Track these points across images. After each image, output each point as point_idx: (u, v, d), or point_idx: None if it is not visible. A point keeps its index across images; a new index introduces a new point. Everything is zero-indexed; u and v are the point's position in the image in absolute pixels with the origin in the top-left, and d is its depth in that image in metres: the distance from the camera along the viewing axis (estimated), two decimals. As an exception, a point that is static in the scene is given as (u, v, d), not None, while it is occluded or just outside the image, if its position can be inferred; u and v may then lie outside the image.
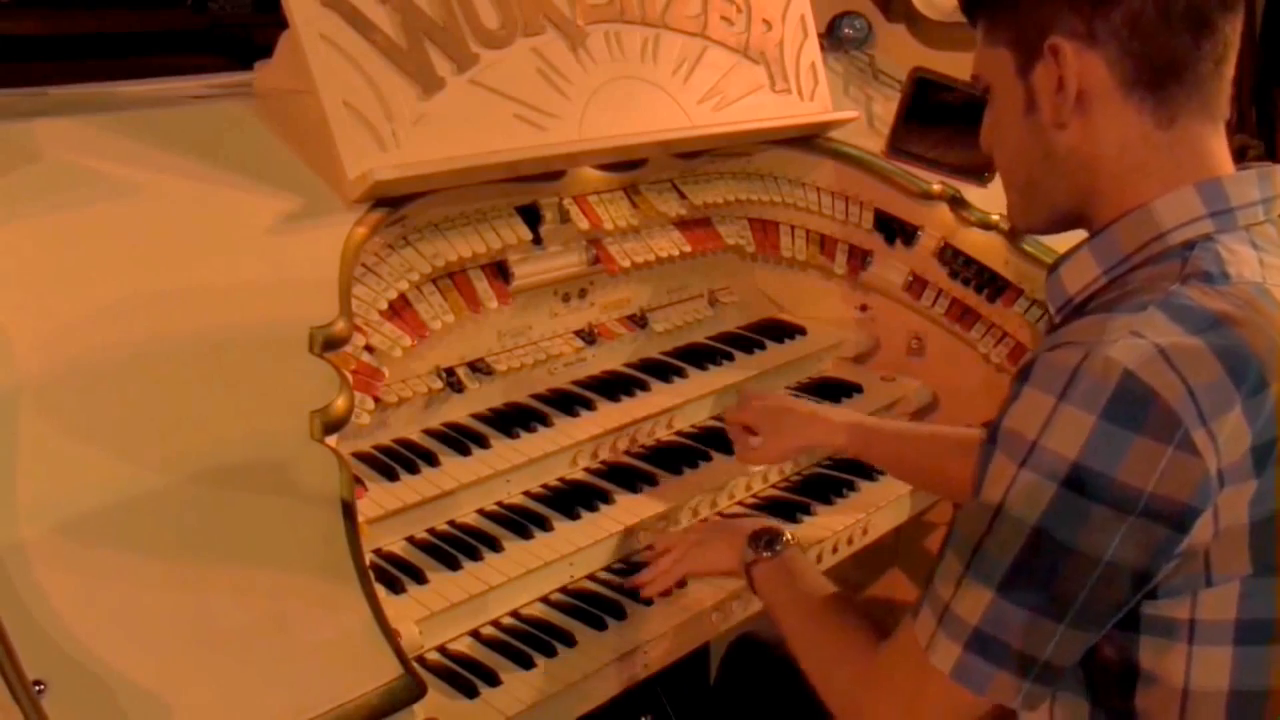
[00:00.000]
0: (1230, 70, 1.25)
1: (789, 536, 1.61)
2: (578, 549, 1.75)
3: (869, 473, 2.14)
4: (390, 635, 1.29)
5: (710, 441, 2.05)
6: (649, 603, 1.73)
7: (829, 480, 2.12)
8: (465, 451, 1.79)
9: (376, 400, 1.67)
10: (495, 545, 1.70)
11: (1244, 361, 1.11)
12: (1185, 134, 1.24)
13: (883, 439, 1.89)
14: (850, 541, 2.01)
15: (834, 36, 2.55)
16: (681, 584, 1.76)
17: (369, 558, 1.46)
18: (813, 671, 1.41)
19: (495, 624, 1.67)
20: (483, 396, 1.92)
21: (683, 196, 2.16)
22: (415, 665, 1.30)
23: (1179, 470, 1.09)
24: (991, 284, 2.27)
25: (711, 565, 1.71)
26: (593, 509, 1.82)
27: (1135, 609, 1.17)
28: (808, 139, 2.30)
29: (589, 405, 1.98)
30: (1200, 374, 1.09)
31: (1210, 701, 1.18)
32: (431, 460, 1.75)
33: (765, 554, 1.59)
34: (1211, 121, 1.25)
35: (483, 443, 1.82)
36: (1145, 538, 1.11)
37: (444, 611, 1.59)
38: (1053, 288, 1.33)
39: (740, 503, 2.04)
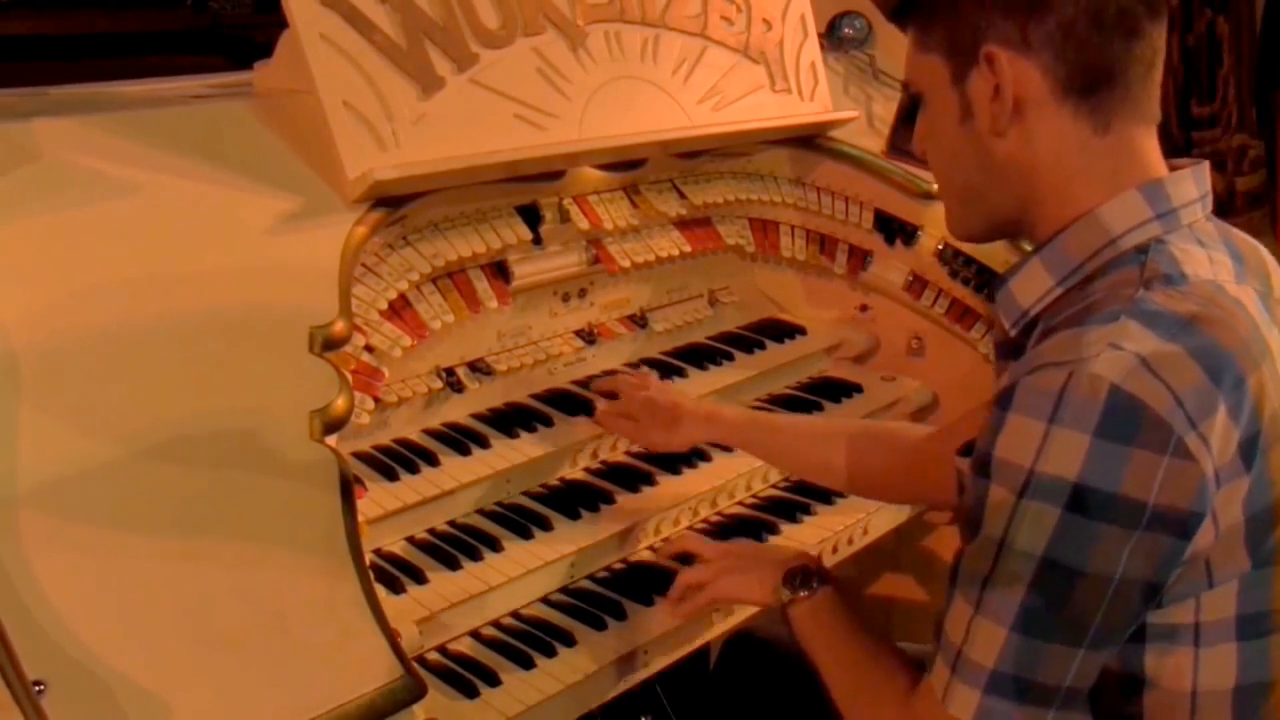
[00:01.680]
0: (1159, 74, 1.26)
1: (824, 569, 1.54)
2: (578, 549, 1.75)
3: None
4: (390, 635, 1.29)
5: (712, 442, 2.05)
6: (649, 603, 1.72)
7: (829, 480, 2.11)
8: (465, 451, 1.79)
9: (376, 400, 1.67)
10: (495, 545, 1.70)
11: (1220, 360, 1.11)
12: (1121, 138, 1.24)
13: (762, 431, 1.84)
14: (850, 541, 2.01)
15: (834, 36, 2.55)
16: (666, 592, 1.74)
17: (369, 558, 1.46)
18: (847, 709, 1.39)
19: (495, 624, 1.67)
20: (483, 396, 1.92)
21: (683, 196, 2.16)
22: (415, 665, 1.30)
23: (1177, 478, 1.09)
24: (992, 284, 2.26)
25: (743, 596, 1.64)
26: (593, 509, 1.82)
27: (1141, 620, 1.17)
28: (808, 139, 2.30)
29: (589, 405, 1.98)
30: (1183, 379, 1.09)
31: (1217, 700, 1.18)
32: (431, 460, 1.75)
33: (803, 593, 1.50)
34: (1144, 124, 1.26)
35: (483, 443, 1.82)
36: (1152, 549, 1.10)
37: (444, 611, 1.58)
38: (1004, 301, 1.32)
39: (740, 502, 2.04)
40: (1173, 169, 1.27)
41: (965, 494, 1.22)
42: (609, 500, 1.85)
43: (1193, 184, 1.25)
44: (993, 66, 1.23)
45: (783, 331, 2.37)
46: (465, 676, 1.54)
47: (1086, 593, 1.11)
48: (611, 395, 1.92)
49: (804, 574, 1.52)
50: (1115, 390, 1.08)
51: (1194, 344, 1.11)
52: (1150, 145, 1.26)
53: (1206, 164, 1.29)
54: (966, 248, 2.27)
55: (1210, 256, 1.22)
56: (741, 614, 1.82)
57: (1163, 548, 1.11)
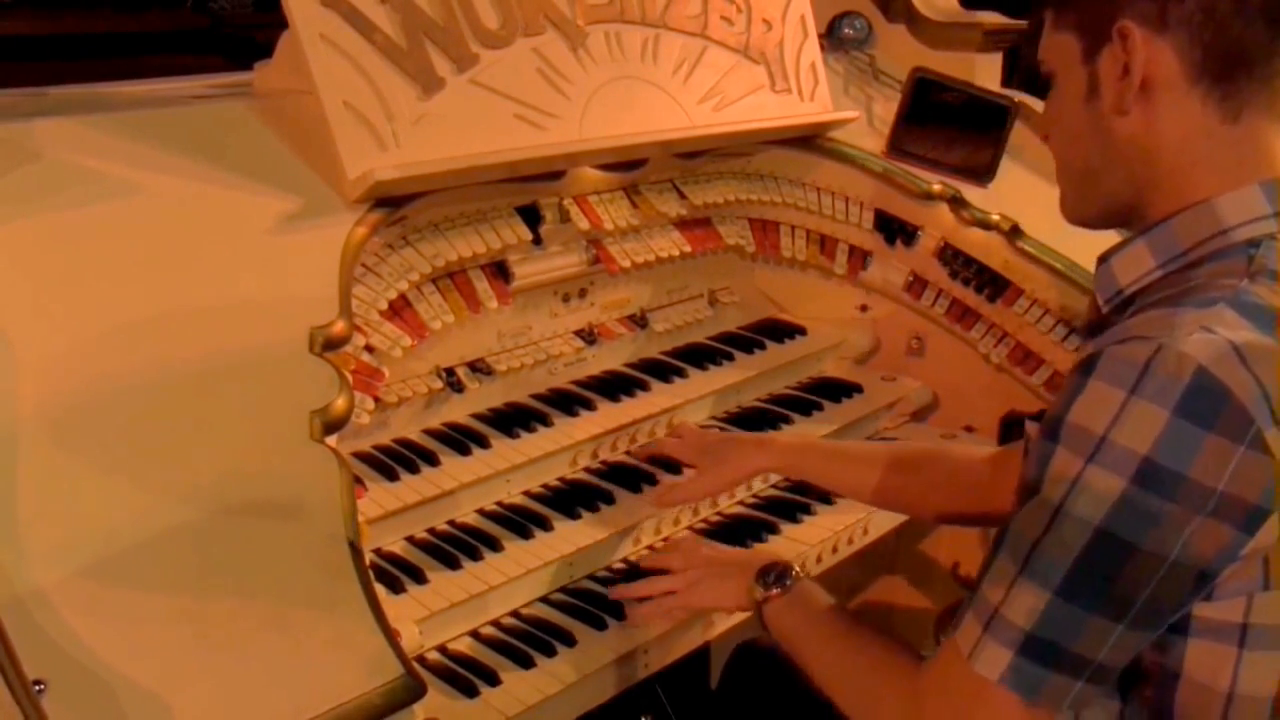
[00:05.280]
0: None
1: (797, 569, 1.53)
2: (578, 549, 1.75)
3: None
4: (390, 635, 1.29)
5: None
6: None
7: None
8: (465, 451, 1.79)
9: (376, 400, 1.67)
10: (495, 545, 1.70)
11: None
12: (1250, 130, 1.22)
13: (815, 457, 1.83)
14: (850, 541, 2.01)
15: (834, 36, 2.56)
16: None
17: (369, 558, 1.46)
18: (853, 706, 1.36)
19: (495, 624, 1.67)
20: (483, 396, 1.92)
21: (683, 196, 2.16)
22: (415, 665, 1.30)
23: (1249, 470, 1.07)
24: (991, 284, 2.27)
25: (717, 602, 1.63)
26: (593, 509, 1.82)
27: (1187, 612, 1.15)
28: (808, 139, 2.30)
29: (589, 405, 1.98)
30: (1272, 374, 1.08)
31: (1254, 706, 1.16)
32: (431, 460, 1.75)
33: (775, 590, 1.50)
34: (1276, 120, 1.23)
35: (483, 443, 1.82)
36: (1211, 537, 1.09)
37: (444, 611, 1.58)
38: (1102, 277, 1.30)
39: (741, 502, 2.04)
40: None
41: (1028, 457, 1.20)
42: (609, 500, 1.85)
43: None
44: (1125, 43, 1.21)
45: (783, 331, 2.37)
46: (465, 676, 1.54)
47: (1137, 569, 1.09)
48: (661, 457, 1.90)
49: (776, 572, 1.51)
50: (1202, 372, 1.07)
51: None
52: (1276, 139, 1.23)
53: None
54: (967, 248, 2.27)
55: None
56: (743, 615, 1.82)
57: (1223, 537, 1.09)
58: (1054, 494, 1.13)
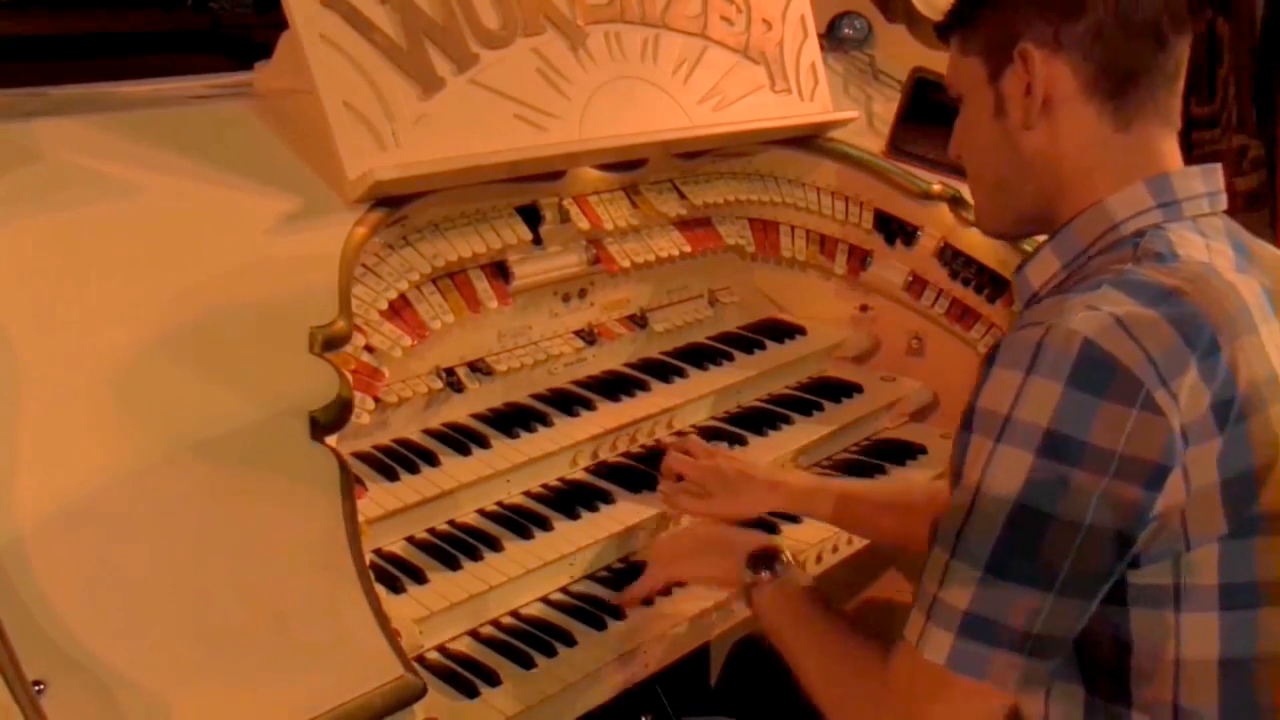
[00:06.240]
0: (1181, 84, 1.35)
1: (788, 556, 1.56)
2: (578, 549, 1.75)
3: (869, 472, 2.14)
4: (390, 635, 1.29)
5: (711, 442, 2.05)
6: (649, 602, 1.73)
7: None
8: (465, 451, 1.79)
9: (376, 400, 1.67)
10: (495, 545, 1.70)
11: (1196, 328, 1.17)
12: (1139, 137, 1.32)
13: (825, 501, 1.85)
14: (850, 541, 2.01)
15: (834, 36, 2.56)
16: (667, 592, 1.75)
17: (369, 558, 1.46)
18: (825, 696, 1.40)
19: (495, 624, 1.67)
20: (483, 396, 1.92)
21: (683, 196, 2.16)
22: (415, 665, 1.30)
23: (1145, 430, 1.14)
24: (991, 284, 2.27)
25: (704, 576, 1.68)
26: (593, 509, 1.82)
27: (1122, 581, 1.19)
28: (808, 139, 2.30)
29: (589, 405, 1.98)
30: (1155, 340, 1.15)
31: (1202, 672, 1.21)
32: (431, 460, 1.75)
33: (765, 574, 1.53)
34: (1164, 127, 1.34)
35: (483, 443, 1.82)
36: (1120, 498, 1.15)
37: (444, 611, 1.58)
38: (1020, 285, 1.40)
39: (741, 502, 2.04)
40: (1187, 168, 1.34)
41: (953, 451, 1.27)
42: (609, 500, 1.85)
43: (1200, 180, 1.32)
44: (1026, 64, 1.32)
45: (783, 331, 2.37)
46: (465, 676, 1.54)
47: (1057, 538, 1.15)
48: (679, 478, 1.89)
49: (767, 556, 1.55)
50: (1088, 344, 1.15)
51: (1171, 312, 1.17)
52: (1168, 147, 1.34)
53: (1219, 166, 1.36)
54: (967, 248, 2.27)
55: (1208, 245, 1.28)
56: (743, 614, 1.82)
57: (1132, 496, 1.15)
58: (971, 478, 1.20)
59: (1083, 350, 1.15)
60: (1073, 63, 1.30)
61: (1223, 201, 1.35)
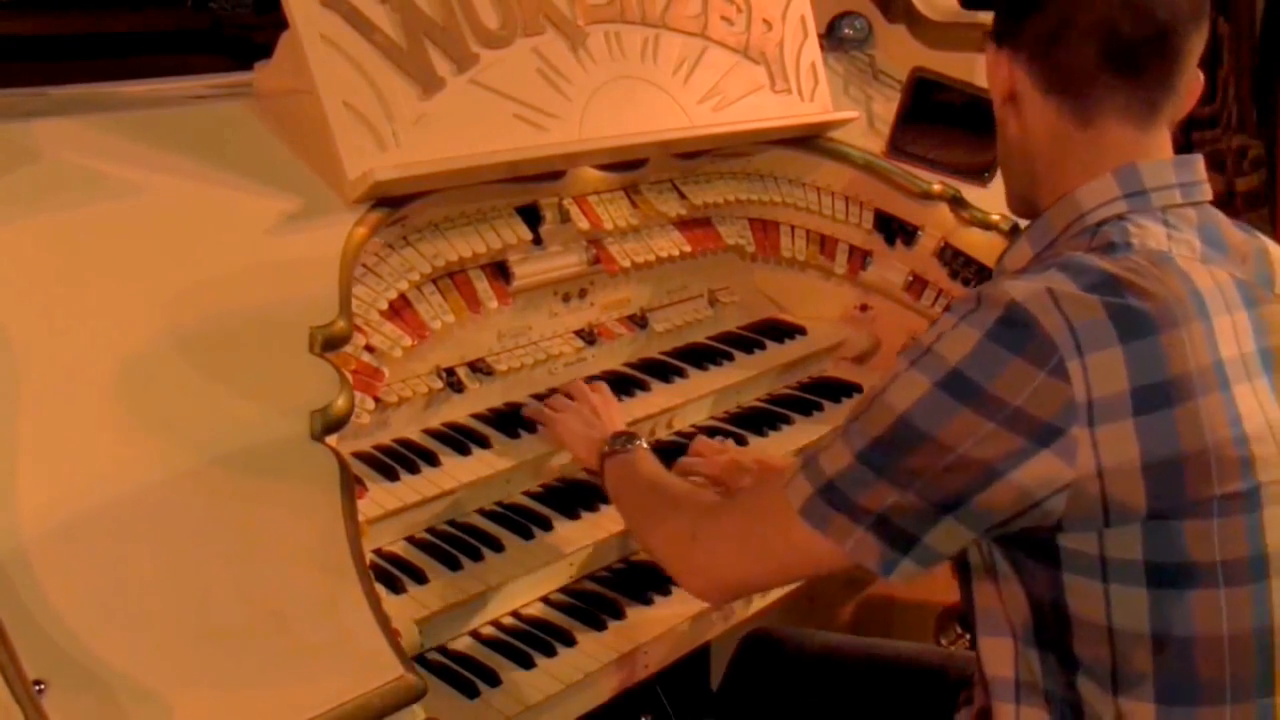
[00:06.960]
0: (1180, 78, 1.33)
1: (642, 441, 1.72)
2: (578, 549, 1.75)
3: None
4: (390, 635, 1.29)
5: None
6: (649, 602, 1.73)
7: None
8: (465, 451, 1.79)
9: (376, 400, 1.67)
10: (495, 545, 1.70)
11: (1128, 311, 1.21)
12: (1101, 132, 1.34)
13: None
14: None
15: (834, 36, 2.56)
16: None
17: (369, 558, 1.46)
18: (655, 534, 1.52)
19: (495, 624, 1.67)
20: (483, 396, 1.92)
21: (683, 196, 2.16)
22: (415, 665, 1.30)
23: (1048, 393, 1.19)
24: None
25: (573, 445, 1.80)
26: (593, 509, 1.82)
27: (1054, 544, 1.23)
28: (808, 139, 2.30)
29: (589, 405, 1.97)
30: (1081, 313, 1.20)
31: (1135, 643, 1.23)
32: (432, 460, 1.75)
33: (618, 448, 1.70)
34: (1136, 122, 1.34)
35: (483, 442, 1.82)
36: (1001, 441, 1.20)
37: (444, 611, 1.59)
38: (997, 272, 1.45)
39: (740, 503, 2.04)
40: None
41: None
42: (609, 500, 1.84)
43: (1172, 171, 1.34)
44: (998, 58, 1.38)
45: (783, 331, 2.37)
46: (465, 676, 1.54)
47: (927, 454, 1.23)
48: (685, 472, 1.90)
49: (628, 437, 1.72)
50: (1014, 304, 1.21)
51: (1106, 294, 1.21)
52: (1143, 139, 1.34)
53: (1198, 157, 1.38)
54: (967, 248, 2.28)
55: (1170, 234, 1.30)
56: (743, 614, 1.82)
57: (1012, 444, 1.20)
58: (881, 384, 1.30)
59: (1008, 308, 1.21)
60: (1026, 61, 1.35)
61: (1202, 192, 1.36)
